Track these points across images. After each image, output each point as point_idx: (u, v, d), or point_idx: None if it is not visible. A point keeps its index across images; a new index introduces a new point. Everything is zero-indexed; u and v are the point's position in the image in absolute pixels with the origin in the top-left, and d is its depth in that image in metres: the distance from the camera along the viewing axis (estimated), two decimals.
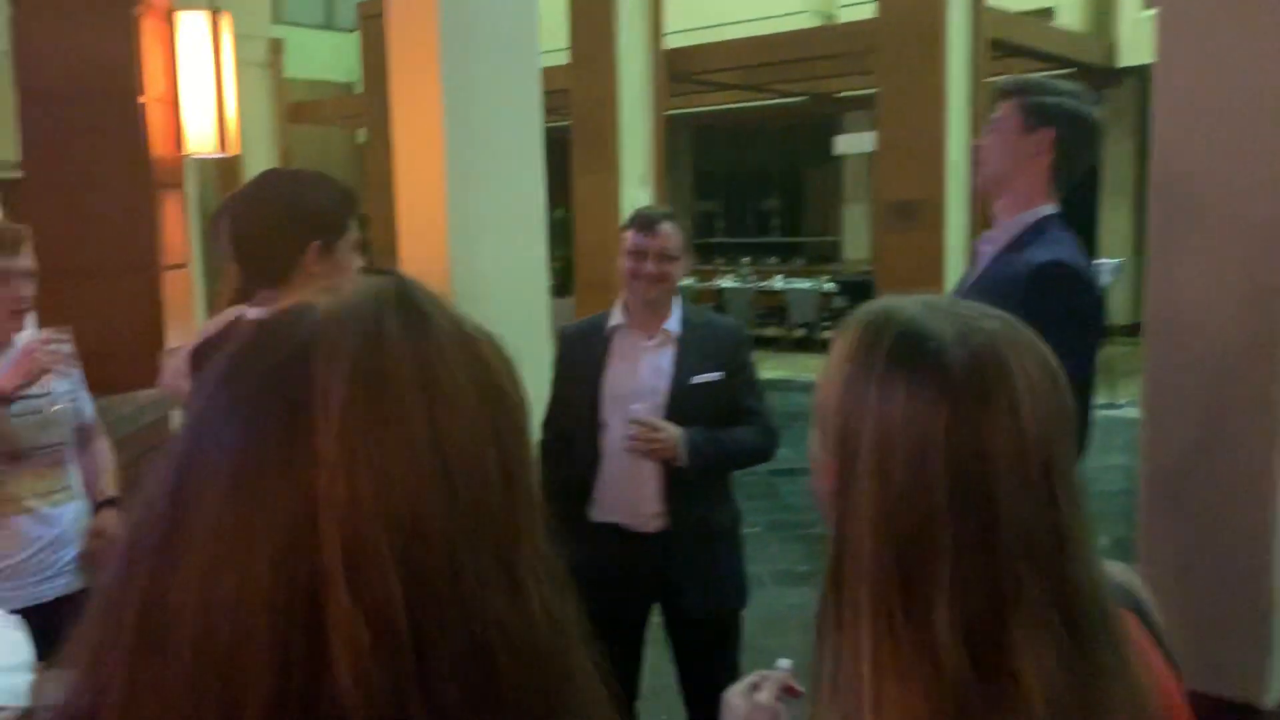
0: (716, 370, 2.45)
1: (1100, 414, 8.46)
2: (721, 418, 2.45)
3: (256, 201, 1.69)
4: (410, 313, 0.58)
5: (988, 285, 1.94)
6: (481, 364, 0.60)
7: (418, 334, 0.57)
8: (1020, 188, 1.99)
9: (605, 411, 2.45)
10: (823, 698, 0.77)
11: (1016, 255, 1.93)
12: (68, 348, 2.17)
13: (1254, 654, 2.76)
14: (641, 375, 2.46)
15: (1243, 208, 2.61)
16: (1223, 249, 2.63)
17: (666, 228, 2.45)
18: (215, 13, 3.83)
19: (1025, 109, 1.99)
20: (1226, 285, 2.65)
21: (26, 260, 2.20)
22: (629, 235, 2.47)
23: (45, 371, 2.12)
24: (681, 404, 2.41)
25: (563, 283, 11.13)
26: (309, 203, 1.66)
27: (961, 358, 0.74)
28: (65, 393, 2.27)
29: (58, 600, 2.21)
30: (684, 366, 2.44)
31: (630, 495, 2.46)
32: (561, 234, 11.43)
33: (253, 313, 1.62)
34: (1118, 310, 10.67)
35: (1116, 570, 0.90)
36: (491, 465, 0.57)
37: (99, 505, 2.43)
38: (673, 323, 2.49)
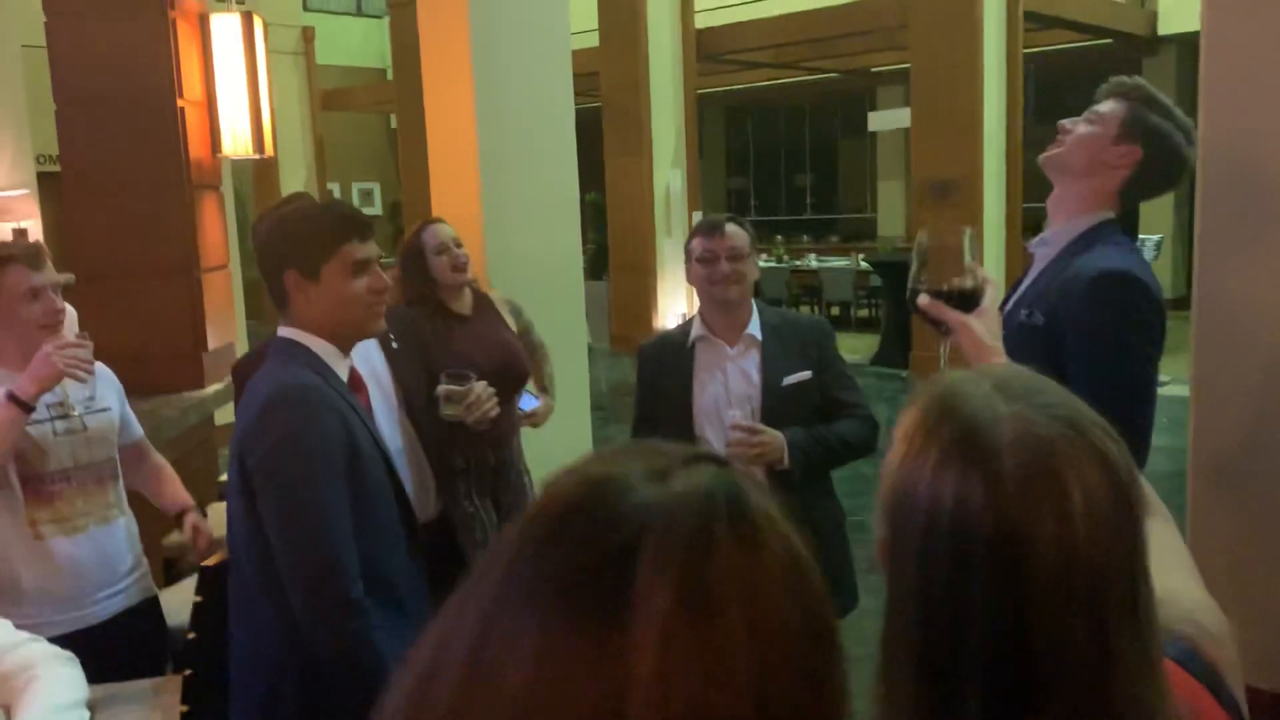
0: (804, 369, 2.44)
1: None
2: (817, 415, 2.44)
3: (256, 232, 1.85)
4: (742, 524, 0.54)
5: (1044, 289, 1.90)
6: (811, 595, 0.55)
7: (749, 551, 0.53)
8: (1085, 190, 1.93)
9: (698, 425, 2.45)
10: None
11: (1074, 259, 1.88)
12: (86, 353, 2.15)
13: None
14: (732, 384, 2.45)
15: None
16: (1275, 223, 2.53)
17: (731, 228, 2.46)
18: (247, 15, 3.84)
19: (1126, 118, 1.92)
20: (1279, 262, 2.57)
21: (53, 272, 2.21)
22: (696, 242, 2.47)
23: (62, 377, 2.10)
24: (776, 407, 2.40)
25: (595, 266, 11.13)
26: (280, 234, 1.78)
27: (1014, 466, 0.72)
28: (86, 399, 2.26)
29: (111, 619, 2.23)
30: (772, 369, 2.43)
31: None
32: (593, 218, 11.43)
33: (280, 330, 1.83)
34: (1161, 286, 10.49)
35: (1198, 631, 0.88)
36: (808, 716, 0.52)
37: (179, 514, 2.48)
38: (753, 327, 2.48)
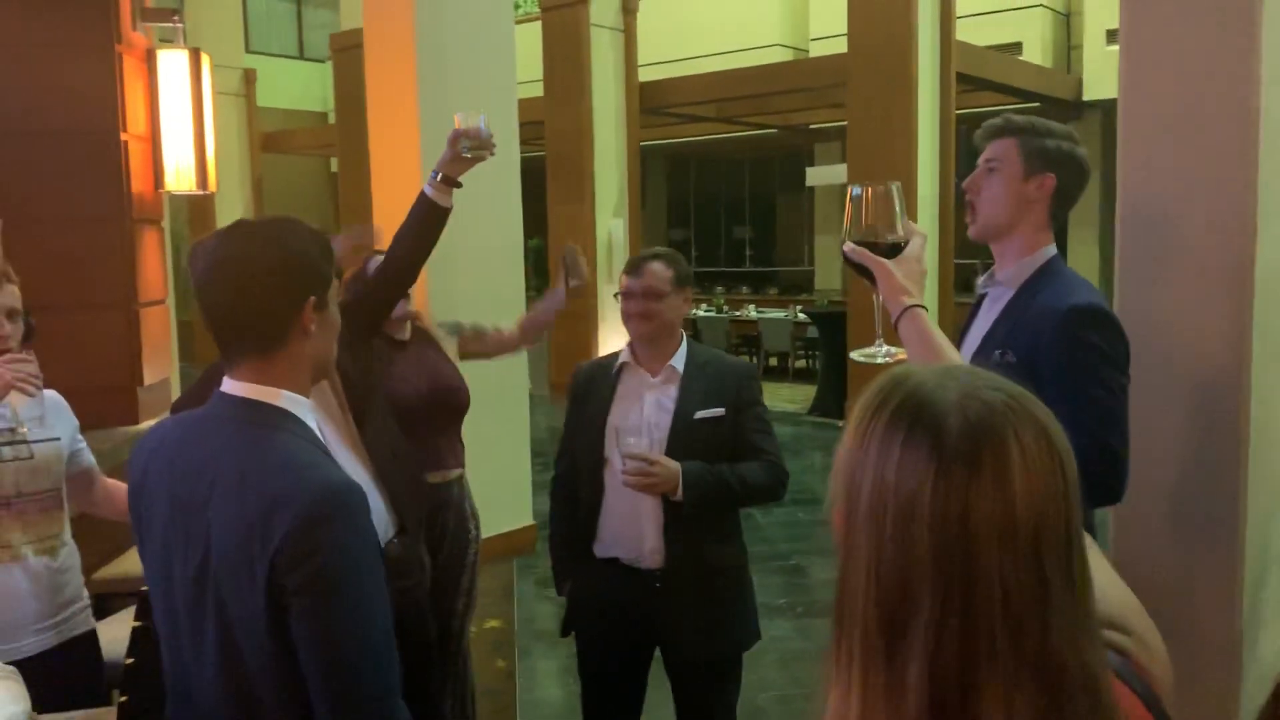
0: (720, 406, 2.47)
1: None
2: (725, 454, 2.46)
3: (235, 263, 1.47)
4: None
5: (1014, 328, 1.95)
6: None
7: None
8: (1024, 232, 2.00)
9: (608, 448, 2.48)
10: None
11: (1034, 298, 1.95)
12: (33, 366, 2.10)
13: (1226, 678, 2.80)
14: (645, 411, 2.50)
15: (1206, 234, 2.68)
16: (1189, 275, 2.70)
17: (654, 267, 2.50)
18: (195, 51, 3.84)
19: (1026, 153, 1.98)
20: (1193, 310, 2.71)
21: (9, 298, 2.18)
22: (622, 277, 2.56)
23: (9, 389, 2.05)
24: (683, 439, 2.43)
25: None
26: (299, 254, 1.48)
27: (956, 425, 0.77)
28: (36, 419, 2.22)
29: (47, 652, 2.17)
30: (687, 401, 2.47)
31: (631, 532, 2.48)
32: (536, 264, 11.48)
33: (234, 387, 1.48)
34: None
35: (1134, 643, 0.92)
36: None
37: None
38: (678, 360, 2.53)
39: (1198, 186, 2.70)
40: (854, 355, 1.53)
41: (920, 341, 1.38)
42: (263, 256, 1.45)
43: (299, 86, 15.93)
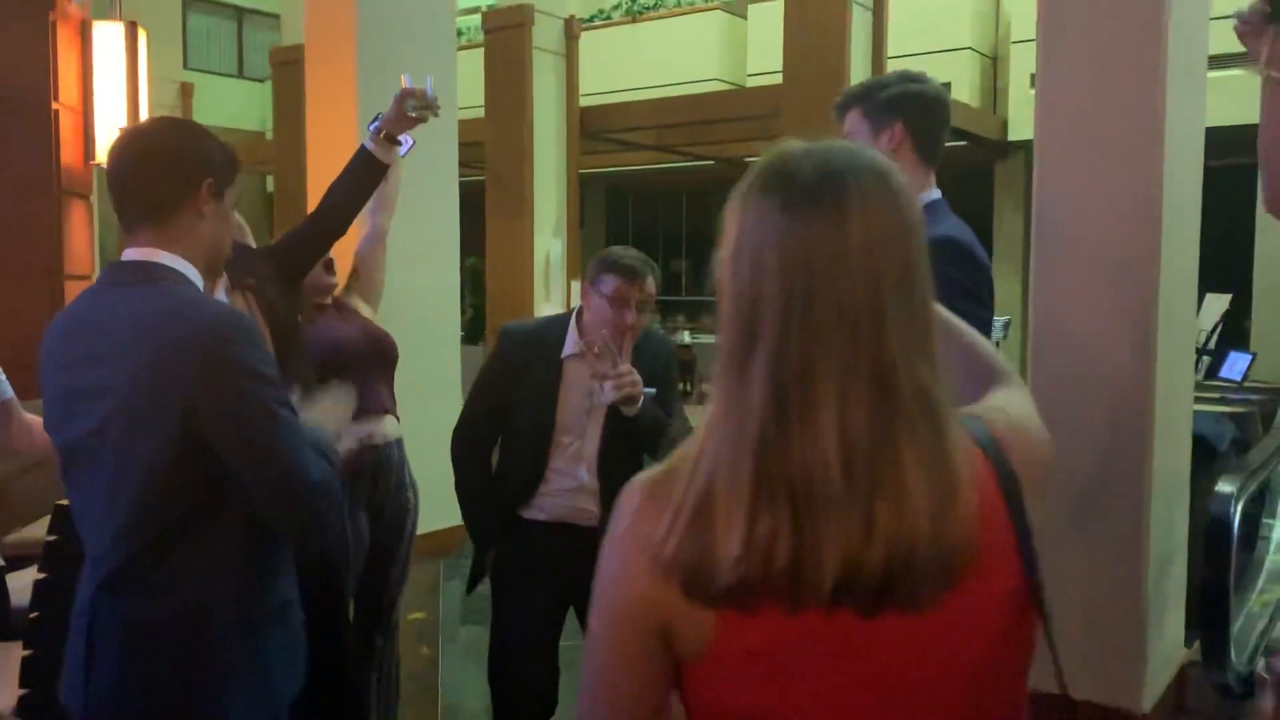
0: (652, 386, 2.54)
1: None
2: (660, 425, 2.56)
3: (146, 138, 1.65)
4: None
5: None
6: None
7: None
8: None
9: (558, 433, 2.51)
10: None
11: None
12: None
13: (1131, 661, 2.90)
14: (595, 400, 2.50)
15: (1109, 255, 2.87)
16: (1096, 306, 2.88)
17: (650, 281, 2.51)
18: (131, 24, 3.84)
19: (867, 113, 2.06)
20: (1102, 313, 2.86)
21: None
22: (611, 281, 2.48)
23: None
24: (620, 417, 2.49)
25: (473, 331, 11.13)
26: (201, 144, 1.64)
27: (801, 170, 0.89)
28: None
29: None
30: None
31: (571, 503, 2.55)
32: (472, 282, 11.47)
33: (128, 254, 1.60)
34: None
35: (1008, 425, 0.99)
36: None
37: None
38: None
39: (1106, 199, 2.87)
40: None
41: None
42: (168, 135, 1.65)
43: (237, 104, 15.79)
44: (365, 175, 2.52)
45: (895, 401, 0.85)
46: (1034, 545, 0.92)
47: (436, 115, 2.53)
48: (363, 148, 2.52)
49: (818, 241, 0.86)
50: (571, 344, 2.55)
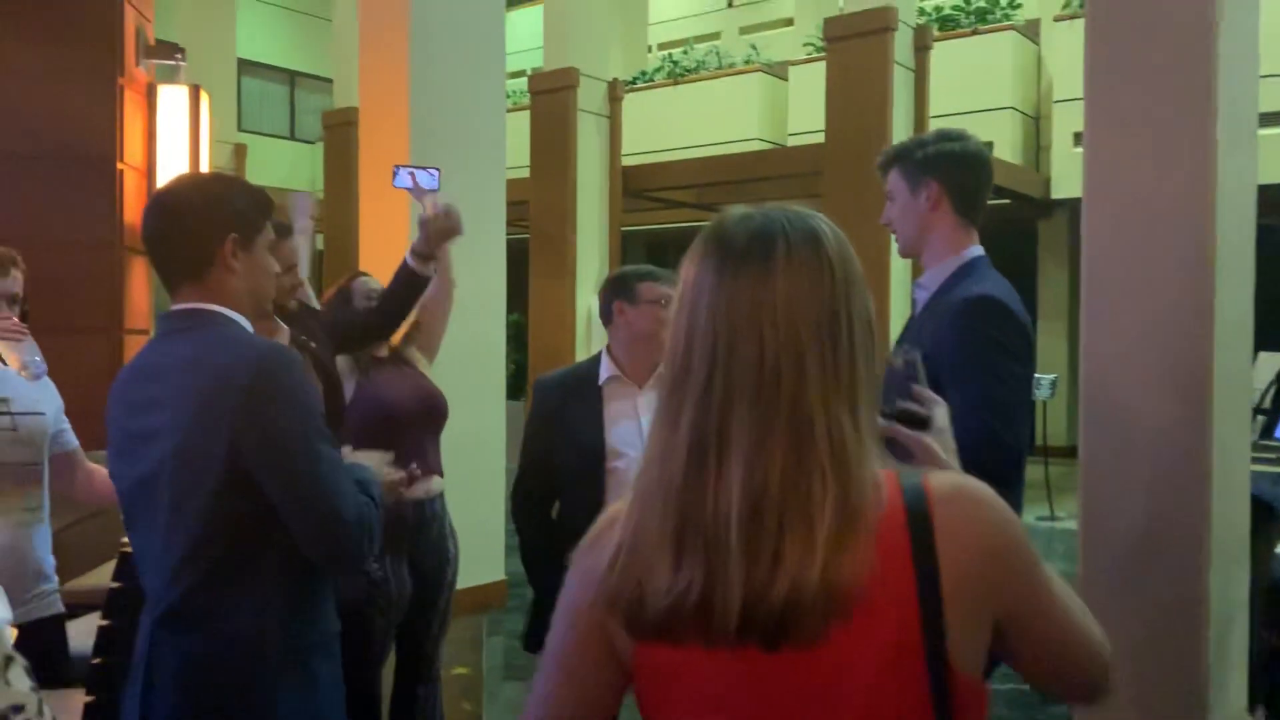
0: None
1: (1042, 524, 8.50)
2: None
3: (167, 201, 1.71)
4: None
5: (924, 322, 2.04)
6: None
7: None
8: (936, 241, 2.09)
9: (610, 459, 2.50)
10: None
11: (949, 294, 2.02)
12: (11, 322, 2.19)
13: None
14: (645, 422, 2.51)
15: (1161, 314, 2.82)
16: (1149, 365, 2.82)
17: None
18: (195, 88, 3.97)
19: (907, 173, 2.08)
20: (1156, 361, 2.82)
21: (13, 284, 2.24)
22: (649, 288, 2.53)
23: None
24: None
25: (515, 386, 11.20)
26: (223, 199, 1.70)
27: (736, 233, 0.97)
28: (31, 399, 2.25)
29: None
30: None
31: None
32: (515, 338, 11.56)
33: (179, 305, 1.67)
34: (1055, 433, 10.94)
35: (946, 482, 1.00)
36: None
37: None
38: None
39: (1156, 257, 2.83)
40: None
41: None
42: (189, 196, 1.71)
43: (288, 165, 16.18)
44: (409, 286, 2.81)
45: (809, 449, 0.92)
46: (941, 597, 0.92)
47: (460, 234, 2.81)
48: (405, 262, 2.79)
49: (743, 297, 0.94)
50: (606, 370, 2.58)
